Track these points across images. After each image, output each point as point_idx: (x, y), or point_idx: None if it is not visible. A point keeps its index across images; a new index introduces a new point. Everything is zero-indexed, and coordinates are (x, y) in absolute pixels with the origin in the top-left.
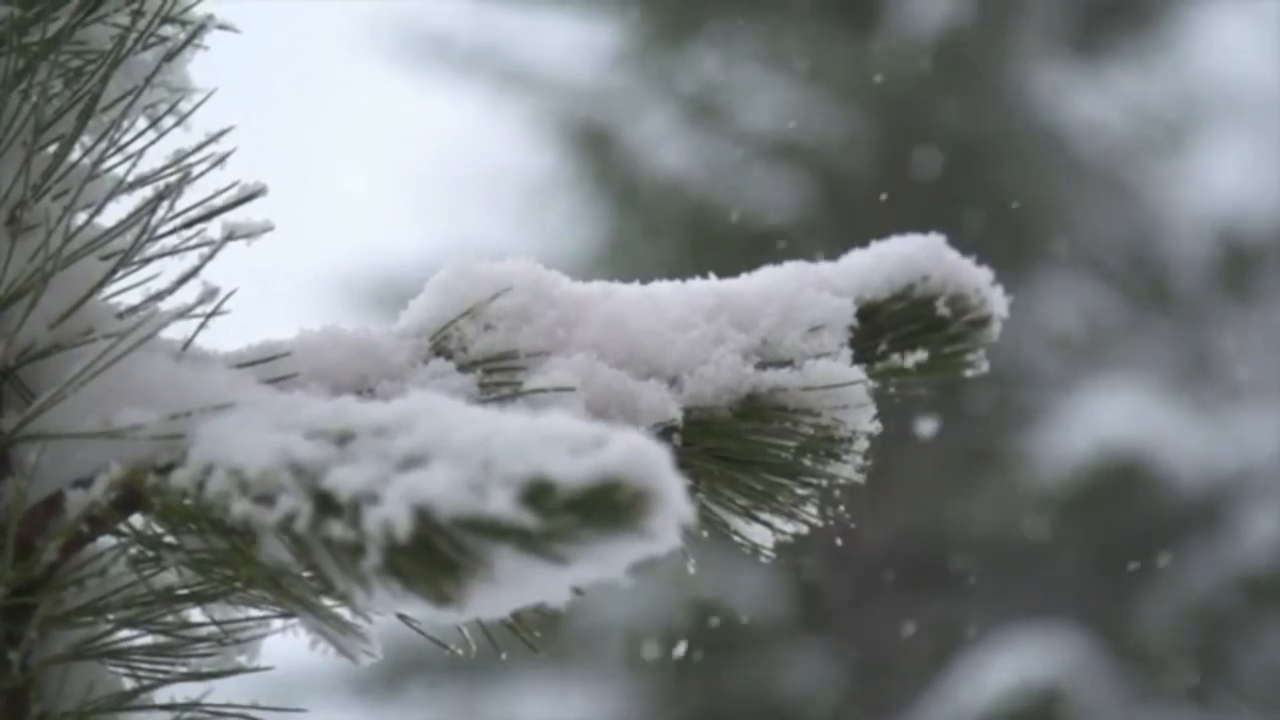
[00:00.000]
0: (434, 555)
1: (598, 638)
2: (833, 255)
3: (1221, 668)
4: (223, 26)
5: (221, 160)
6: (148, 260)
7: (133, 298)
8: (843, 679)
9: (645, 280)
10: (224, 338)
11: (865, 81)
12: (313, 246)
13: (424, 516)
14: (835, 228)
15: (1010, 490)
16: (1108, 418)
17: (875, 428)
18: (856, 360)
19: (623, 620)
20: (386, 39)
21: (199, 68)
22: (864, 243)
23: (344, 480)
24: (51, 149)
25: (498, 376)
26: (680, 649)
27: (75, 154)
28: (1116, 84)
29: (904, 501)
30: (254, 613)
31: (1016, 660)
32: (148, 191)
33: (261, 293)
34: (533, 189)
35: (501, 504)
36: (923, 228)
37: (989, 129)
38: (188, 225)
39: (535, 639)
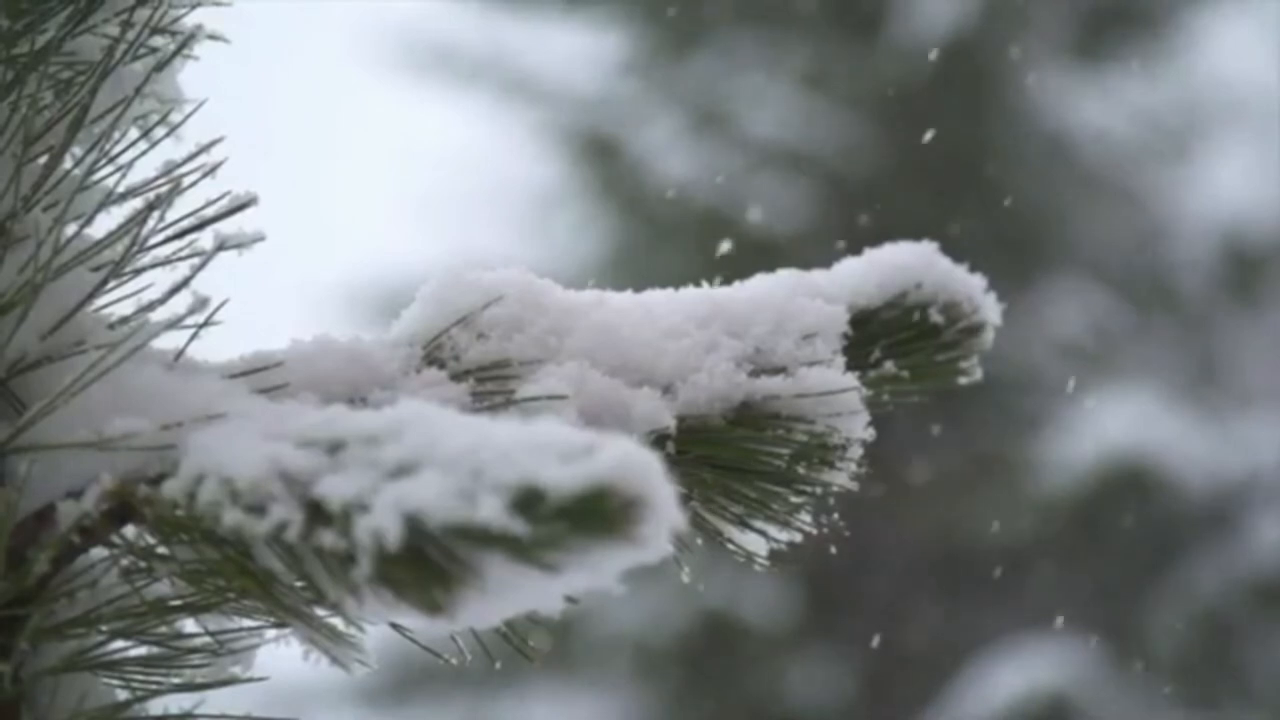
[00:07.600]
0: (425, 564)
1: (607, 646)
2: (838, 262)
3: (1230, 673)
4: (213, 36)
5: (213, 170)
6: (139, 271)
7: (124, 308)
8: (851, 686)
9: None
10: (218, 347)
11: (870, 89)
12: (317, 257)
13: (414, 525)
14: (841, 234)
15: (1018, 496)
16: (1115, 424)
17: (869, 435)
18: (850, 367)
19: (631, 628)
20: (391, 49)
21: (209, 78)
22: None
23: (335, 489)
24: (41, 160)
25: (490, 385)
26: (689, 657)
27: (65, 165)
28: (1121, 90)
29: (912, 508)
30: (247, 623)
31: (1025, 667)
32: (138, 202)
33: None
34: (539, 199)
35: (491, 512)
36: (928, 235)
37: (994, 136)
38: (179, 236)
39: (530, 649)
